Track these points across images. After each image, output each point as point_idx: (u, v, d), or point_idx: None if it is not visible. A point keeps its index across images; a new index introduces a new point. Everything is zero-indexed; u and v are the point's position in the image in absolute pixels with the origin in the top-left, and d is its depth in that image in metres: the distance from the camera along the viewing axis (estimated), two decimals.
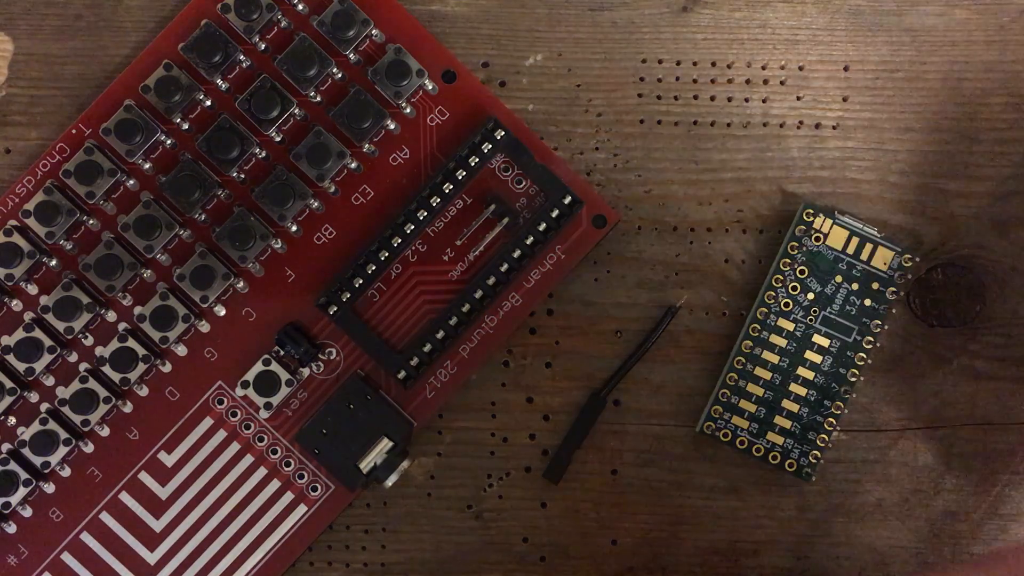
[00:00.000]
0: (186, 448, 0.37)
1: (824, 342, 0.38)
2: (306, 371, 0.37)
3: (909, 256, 0.37)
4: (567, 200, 0.37)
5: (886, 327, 0.38)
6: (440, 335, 0.37)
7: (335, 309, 0.37)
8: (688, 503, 0.38)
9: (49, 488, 0.37)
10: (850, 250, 0.37)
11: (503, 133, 0.37)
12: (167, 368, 0.37)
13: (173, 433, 0.37)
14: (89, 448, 0.37)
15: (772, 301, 0.38)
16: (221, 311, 0.37)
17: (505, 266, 0.37)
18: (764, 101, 0.39)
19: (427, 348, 0.37)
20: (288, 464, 0.37)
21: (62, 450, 0.37)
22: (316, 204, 0.37)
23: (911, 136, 0.39)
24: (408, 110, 0.38)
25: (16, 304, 0.37)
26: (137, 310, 0.37)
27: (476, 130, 0.37)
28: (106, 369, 0.37)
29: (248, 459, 0.37)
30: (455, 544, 0.38)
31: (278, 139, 0.37)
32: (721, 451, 0.38)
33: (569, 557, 0.38)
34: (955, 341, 0.38)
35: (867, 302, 0.38)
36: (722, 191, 0.39)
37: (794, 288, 0.38)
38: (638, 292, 0.39)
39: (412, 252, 0.38)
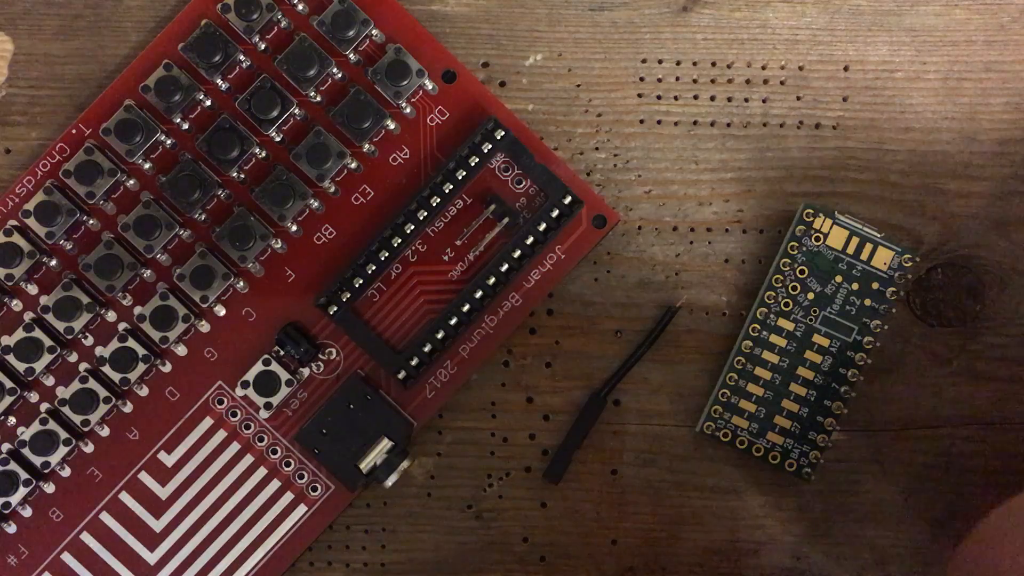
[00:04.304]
0: (186, 448, 0.37)
1: (824, 342, 0.38)
2: (306, 371, 0.37)
3: (909, 256, 0.37)
4: (567, 200, 0.37)
5: (886, 327, 0.38)
6: (440, 335, 0.37)
7: (335, 309, 0.37)
8: (688, 503, 0.38)
9: (49, 488, 0.37)
10: (850, 250, 0.37)
11: (503, 133, 0.37)
12: (167, 368, 0.37)
13: (173, 433, 0.37)
14: (89, 448, 0.37)
15: (772, 301, 0.38)
16: (221, 311, 0.37)
17: (505, 266, 0.37)
18: (764, 101, 0.39)
19: (427, 348, 0.37)
20: (288, 464, 0.37)
21: (62, 450, 0.37)
22: (316, 204, 0.37)
23: (911, 136, 0.39)
24: (408, 110, 0.38)
25: (16, 304, 0.37)
26: (137, 310, 0.37)
27: (476, 130, 0.37)
28: (106, 369, 0.37)
29: (248, 459, 0.37)
30: (455, 544, 0.38)
31: (278, 139, 0.37)
32: (721, 451, 0.38)
33: (569, 557, 0.38)
34: (955, 341, 0.38)
35: (867, 302, 0.38)
36: (722, 191, 0.39)
37: (794, 288, 0.38)
38: (638, 292, 0.39)
39: (412, 252, 0.38)
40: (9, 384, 0.37)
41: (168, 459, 0.37)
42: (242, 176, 0.37)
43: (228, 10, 0.37)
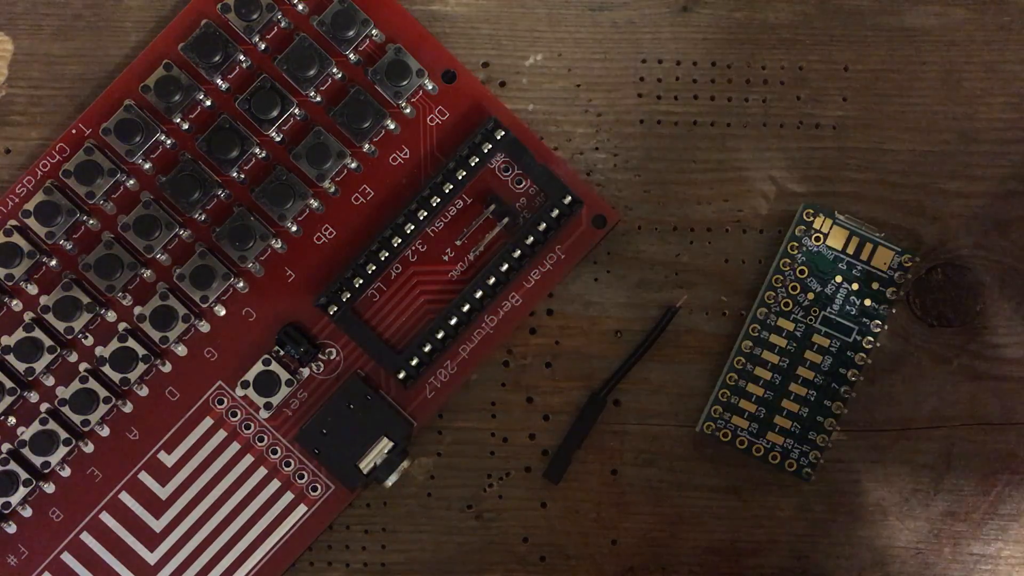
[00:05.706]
0: (186, 448, 0.37)
1: (824, 342, 0.38)
2: (306, 371, 0.37)
3: (909, 256, 0.37)
4: (567, 200, 0.37)
5: (886, 327, 0.38)
6: (440, 335, 0.37)
7: (335, 309, 0.37)
8: (688, 503, 0.38)
9: (49, 488, 0.37)
10: (850, 250, 0.37)
11: (503, 133, 0.37)
12: (167, 368, 0.37)
13: (173, 433, 0.37)
14: (89, 448, 0.37)
15: (772, 301, 0.38)
16: (221, 311, 0.37)
17: (505, 266, 0.37)
18: (764, 101, 0.39)
19: (427, 348, 0.37)
20: (288, 464, 0.37)
21: (62, 450, 0.37)
22: (316, 204, 0.37)
23: (911, 136, 0.39)
24: (408, 110, 0.38)
25: (16, 304, 0.37)
26: (137, 310, 0.37)
27: (476, 130, 0.37)
28: (106, 369, 0.37)
29: (248, 459, 0.37)
30: (455, 544, 0.38)
31: (278, 139, 0.37)
32: (721, 451, 0.38)
33: (569, 557, 0.38)
34: (955, 341, 0.38)
35: (867, 302, 0.38)
36: (722, 191, 0.39)
37: (794, 288, 0.38)
38: (638, 292, 0.39)
39: (412, 252, 0.38)
40: (9, 384, 0.37)
41: (168, 459, 0.37)
42: (242, 176, 0.37)
43: (228, 10, 0.37)
